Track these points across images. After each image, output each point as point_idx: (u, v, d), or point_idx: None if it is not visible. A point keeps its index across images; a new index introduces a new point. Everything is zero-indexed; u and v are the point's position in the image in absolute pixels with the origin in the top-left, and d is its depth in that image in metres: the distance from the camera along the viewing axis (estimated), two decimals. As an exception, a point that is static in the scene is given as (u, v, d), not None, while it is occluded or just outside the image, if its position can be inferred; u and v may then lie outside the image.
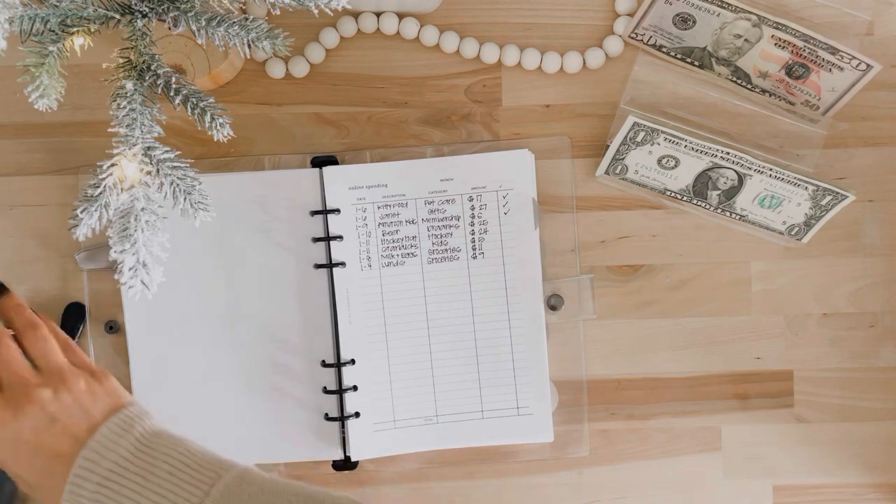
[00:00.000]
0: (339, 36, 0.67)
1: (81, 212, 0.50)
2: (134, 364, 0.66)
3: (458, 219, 0.67)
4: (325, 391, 0.66)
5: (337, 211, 0.66)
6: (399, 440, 0.66)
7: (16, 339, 0.58)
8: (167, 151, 0.52)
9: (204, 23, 0.52)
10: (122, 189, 0.51)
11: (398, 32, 0.67)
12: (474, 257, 0.67)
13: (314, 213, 0.66)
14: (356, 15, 0.67)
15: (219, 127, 0.52)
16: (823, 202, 0.63)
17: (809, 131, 0.65)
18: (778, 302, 0.68)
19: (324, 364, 0.66)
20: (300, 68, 0.67)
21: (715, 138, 0.63)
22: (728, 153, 0.62)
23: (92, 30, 0.52)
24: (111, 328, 0.67)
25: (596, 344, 0.68)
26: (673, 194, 0.66)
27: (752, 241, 0.68)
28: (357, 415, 0.66)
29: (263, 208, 0.66)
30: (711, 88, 0.66)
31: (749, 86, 0.66)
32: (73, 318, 0.66)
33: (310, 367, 0.66)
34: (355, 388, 0.66)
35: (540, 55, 0.67)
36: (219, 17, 0.52)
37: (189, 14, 0.52)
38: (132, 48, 0.53)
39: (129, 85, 0.51)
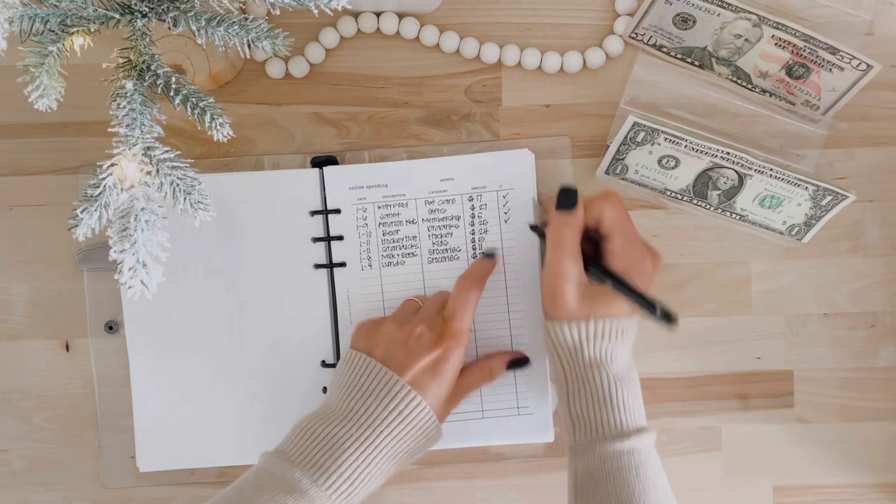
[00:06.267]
0: (339, 36, 0.67)
1: (81, 212, 0.50)
2: (134, 364, 0.66)
3: (458, 219, 0.67)
4: (325, 391, 0.66)
5: (337, 211, 0.66)
6: (399, 440, 0.66)
7: None
8: (167, 151, 0.52)
9: (204, 23, 0.52)
10: (122, 189, 0.50)
11: (398, 32, 0.67)
12: (474, 257, 0.66)
13: (314, 213, 0.66)
14: (356, 15, 0.67)
15: (219, 127, 0.52)
16: (824, 202, 0.63)
17: (809, 131, 0.65)
18: (778, 302, 0.68)
19: (324, 364, 0.66)
20: (300, 68, 0.67)
21: (715, 138, 0.63)
22: (728, 153, 0.62)
23: (92, 30, 0.52)
24: (111, 328, 0.67)
25: (596, 344, 0.67)
26: (673, 194, 0.66)
27: (752, 241, 0.68)
28: (357, 415, 0.66)
29: (263, 208, 0.66)
30: (711, 88, 0.66)
31: (749, 86, 0.66)
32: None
33: (310, 367, 0.66)
34: (355, 388, 0.66)
35: (540, 55, 0.67)
36: (219, 17, 0.52)
37: (189, 14, 0.52)
38: (132, 48, 0.53)
39: (129, 85, 0.51)
